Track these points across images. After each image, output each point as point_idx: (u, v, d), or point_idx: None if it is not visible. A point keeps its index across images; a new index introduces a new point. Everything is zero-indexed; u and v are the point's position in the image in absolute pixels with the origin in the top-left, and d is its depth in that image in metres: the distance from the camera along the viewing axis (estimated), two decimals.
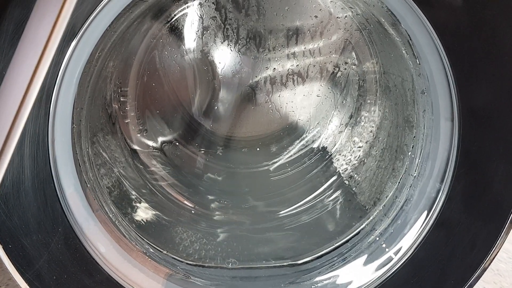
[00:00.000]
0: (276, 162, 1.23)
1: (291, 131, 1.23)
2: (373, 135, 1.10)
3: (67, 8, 0.52)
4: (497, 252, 0.79)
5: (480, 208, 0.80)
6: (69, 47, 0.71)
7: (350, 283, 0.90)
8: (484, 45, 0.73)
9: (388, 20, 0.88)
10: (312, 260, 0.98)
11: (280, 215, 1.12)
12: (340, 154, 1.18)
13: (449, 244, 0.83)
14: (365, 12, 0.99)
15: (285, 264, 0.98)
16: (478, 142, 0.79)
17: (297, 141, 1.23)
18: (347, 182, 1.12)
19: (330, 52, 1.13)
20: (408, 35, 0.82)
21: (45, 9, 0.53)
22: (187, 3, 1.09)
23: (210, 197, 1.16)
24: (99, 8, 0.72)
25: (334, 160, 1.18)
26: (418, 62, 0.85)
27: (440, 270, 0.83)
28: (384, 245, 0.91)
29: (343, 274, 0.92)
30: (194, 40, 1.12)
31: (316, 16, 1.10)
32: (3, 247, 0.71)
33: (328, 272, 0.93)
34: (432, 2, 0.74)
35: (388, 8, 0.82)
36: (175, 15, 1.10)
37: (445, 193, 0.83)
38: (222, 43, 1.14)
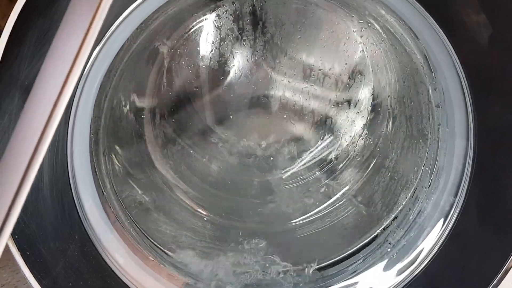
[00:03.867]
0: (288, 170, 1.23)
1: (305, 141, 1.23)
2: (387, 147, 1.11)
3: (98, 21, 0.52)
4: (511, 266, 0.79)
5: (494, 222, 0.79)
6: (90, 56, 0.72)
7: None
8: (502, 62, 0.73)
9: (404, 34, 0.88)
10: (324, 269, 0.98)
11: (293, 224, 1.12)
12: (353, 164, 1.18)
13: (463, 258, 0.83)
14: (381, 25, 1.00)
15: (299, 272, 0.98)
16: (493, 157, 0.79)
17: (311, 150, 1.23)
18: (359, 193, 1.12)
19: (346, 64, 1.14)
20: (425, 49, 0.83)
21: (75, 21, 0.53)
22: (205, 14, 1.10)
23: (223, 205, 1.17)
24: (121, 19, 0.73)
25: (347, 170, 1.18)
26: (434, 76, 0.85)
27: (454, 284, 0.83)
28: (396, 257, 0.91)
29: (361, 281, 0.92)
30: (211, 51, 1.13)
31: (332, 29, 1.11)
32: (21, 254, 0.71)
33: (343, 281, 0.93)
34: (452, 21, 0.74)
35: (405, 23, 0.83)
36: (193, 26, 1.10)
37: (459, 206, 0.83)
38: (238, 54, 1.15)
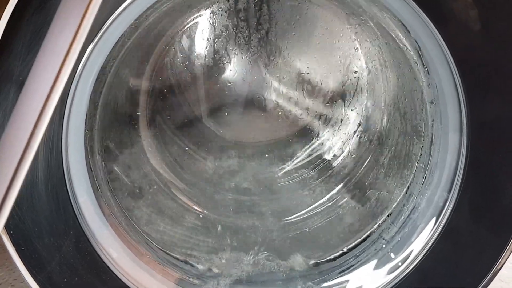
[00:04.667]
0: (284, 168, 1.23)
1: (300, 138, 1.24)
2: (381, 143, 1.11)
3: (89, 16, 0.53)
4: (504, 262, 0.79)
5: (487, 218, 0.80)
6: (84, 53, 0.72)
7: None
8: (495, 57, 0.73)
9: (398, 30, 0.88)
10: (318, 266, 0.98)
11: (287, 221, 1.12)
12: (347, 161, 1.18)
13: (456, 253, 0.83)
14: (375, 22, 1.00)
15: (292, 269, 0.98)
16: (486, 153, 0.79)
17: (306, 148, 1.24)
18: (354, 190, 1.12)
19: (340, 61, 1.14)
20: (418, 45, 0.83)
21: (67, 17, 0.54)
22: (200, 11, 1.10)
23: (218, 202, 1.17)
24: (115, 15, 0.73)
25: (341, 167, 1.19)
26: (427, 72, 0.86)
27: (446, 280, 0.83)
28: (391, 253, 0.91)
29: (352, 279, 0.92)
30: (206, 48, 1.14)
31: (326, 26, 1.11)
32: (16, 250, 0.72)
33: (336, 278, 0.93)
34: (445, 17, 0.74)
35: (399, 19, 0.83)
36: (187, 23, 1.11)
37: (452, 202, 0.84)
38: (233, 50, 1.15)
